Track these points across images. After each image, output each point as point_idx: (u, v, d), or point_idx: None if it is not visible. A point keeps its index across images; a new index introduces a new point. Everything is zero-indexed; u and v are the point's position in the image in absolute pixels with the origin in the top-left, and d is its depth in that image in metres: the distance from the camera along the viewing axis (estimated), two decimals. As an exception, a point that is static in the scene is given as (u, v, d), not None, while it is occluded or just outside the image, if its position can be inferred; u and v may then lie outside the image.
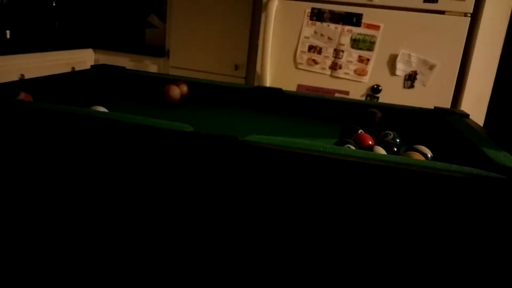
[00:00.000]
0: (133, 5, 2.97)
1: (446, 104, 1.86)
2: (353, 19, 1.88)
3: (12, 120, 0.78)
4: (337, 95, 1.93)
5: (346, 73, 1.93)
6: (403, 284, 0.68)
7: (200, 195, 0.71)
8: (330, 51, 1.93)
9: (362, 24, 1.88)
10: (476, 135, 0.92)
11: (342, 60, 1.93)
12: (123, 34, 3.00)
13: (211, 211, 0.71)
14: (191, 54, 2.45)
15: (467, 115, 1.19)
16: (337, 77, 1.95)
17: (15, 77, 1.99)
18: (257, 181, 0.68)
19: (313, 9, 1.92)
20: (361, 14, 1.86)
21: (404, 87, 1.89)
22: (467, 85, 1.94)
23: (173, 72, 2.49)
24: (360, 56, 1.90)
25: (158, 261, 0.77)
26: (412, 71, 1.86)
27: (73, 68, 2.40)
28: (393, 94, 1.89)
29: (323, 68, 1.96)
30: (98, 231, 0.79)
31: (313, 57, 1.96)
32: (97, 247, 0.80)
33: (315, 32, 1.94)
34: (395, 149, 0.85)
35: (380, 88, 1.90)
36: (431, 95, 1.86)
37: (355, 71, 1.92)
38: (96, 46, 2.60)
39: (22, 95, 0.92)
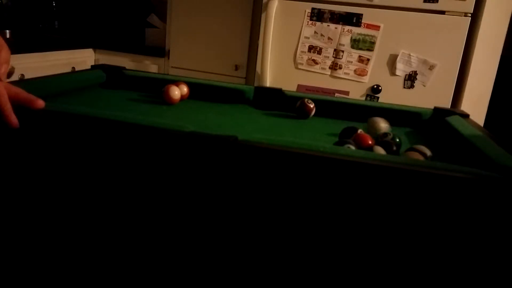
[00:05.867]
0: (133, 5, 2.97)
1: (446, 104, 1.86)
2: (353, 19, 1.88)
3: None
4: (337, 95, 1.93)
5: (346, 73, 1.93)
6: (403, 284, 0.68)
7: (200, 195, 0.71)
8: (330, 51, 1.93)
9: (362, 24, 1.88)
10: (476, 135, 0.92)
11: (342, 60, 1.93)
12: (123, 34, 3.00)
13: (211, 212, 0.71)
14: (191, 54, 2.45)
15: (467, 115, 1.19)
16: (337, 77, 1.95)
17: (15, 77, 1.99)
18: (257, 181, 0.68)
19: (313, 9, 1.92)
20: (361, 14, 1.86)
21: (404, 87, 1.89)
22: (467, 85, 1.94)
23: (173, 72, 2.49)
24: (360, 56, 1.90)
25: (157, 261, 0.77)
26: (412, 71, 1.86)
27: (73, 68, 2.40)
28: (393, 94, 1.89)
29: (323, 68, 1.96)
30: (98, 230, 0.79)
31: (313, 57, 1.96)
32: (96, 246, 0.80)
33: (315, 32, 1.94)
34: (395, 149, 0.85)
35: (380, 88, 1.90)
36: (431, 95, 1.86)
37: (355, 71, 1.92)
38: (96, 46, 2.60)
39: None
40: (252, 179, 0.68)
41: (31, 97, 0.76)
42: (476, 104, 1.97)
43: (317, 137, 1.01)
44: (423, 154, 0.80)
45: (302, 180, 0.67)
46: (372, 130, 1.01)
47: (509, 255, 0.63)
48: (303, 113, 1.19)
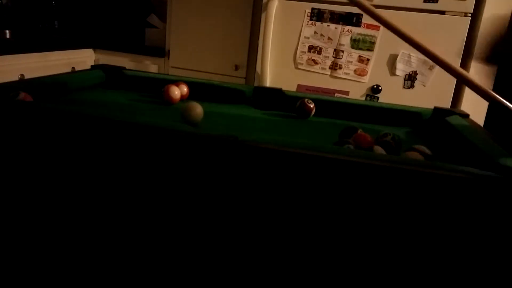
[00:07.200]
0: (133, 5, 2.97)
1: (446, 104, 1.86)
2: (353, 19, 1.88)
3: (12, 120, 0.78)
4: (337, 95, 1.93)
5: (346, 73, 1.93)
6: (404, 284, 0.68)
7: (200, 195, 0.71)
8: (330, 51, 1.93)
9: (362, 24, 1.88)
10: (476, 135, 0.92)
11: (342, 60, 1.93)
12: (123, 34, 3.00)
13: (211, 212, 0.71)
14: (191, 54, 2.45)
15: (467, 115, 1.19)
16: (337, 77, 1.95)
17: (15, 77, 1.99)
18: (257, 181, 0.68)
19: (313, 9, 1.92)
20: (361, 14, 1.86)
21: (404, 87, 1.89)
22: (467, 85, 1.94)
23: (173, 72, 2.49)
24: (360, 56, 1.90)
25: (157, 261, 0.77)
26: (412, 71, 1.86)
27: (73, 68, 2.40)
28: (393, 94, 1.89)
29: (323, 68, 1.96)
30: (98, 230, 0.79)
31: (313, 57, 1.96)
32: (97, 247, 0.80)
33: (315, 32, 1.94)
34: (395, 149, 0.85)
35: (380, 88, 1.90)
36: (431, 95, 1.86)
37: (355, 71, 1.92)
38: (96, 46, 2.60)
39: (22, 95, 0.92)
40: (252, 179, 0.68)
41: None
42: (476, 104, 1.97)
43: (317, 137, 1.01)
44: (423, 154, 0.80)
45: (302, 180, 0.67)
46: (190, 118, 0.97)
47: (509, 255, 0.63)
48: (303, 113, 1.19)
